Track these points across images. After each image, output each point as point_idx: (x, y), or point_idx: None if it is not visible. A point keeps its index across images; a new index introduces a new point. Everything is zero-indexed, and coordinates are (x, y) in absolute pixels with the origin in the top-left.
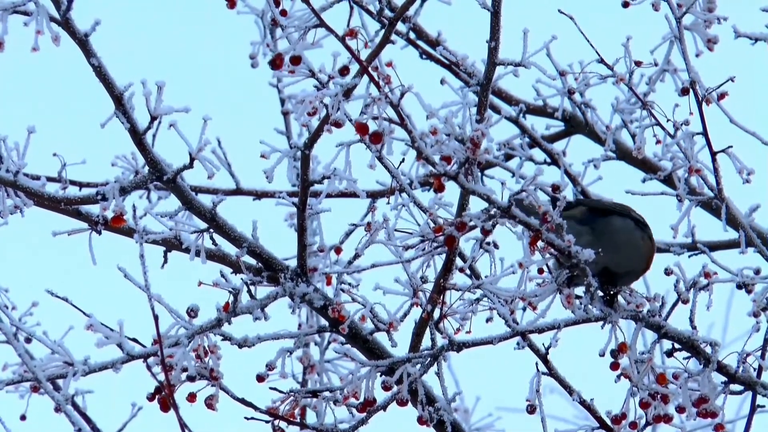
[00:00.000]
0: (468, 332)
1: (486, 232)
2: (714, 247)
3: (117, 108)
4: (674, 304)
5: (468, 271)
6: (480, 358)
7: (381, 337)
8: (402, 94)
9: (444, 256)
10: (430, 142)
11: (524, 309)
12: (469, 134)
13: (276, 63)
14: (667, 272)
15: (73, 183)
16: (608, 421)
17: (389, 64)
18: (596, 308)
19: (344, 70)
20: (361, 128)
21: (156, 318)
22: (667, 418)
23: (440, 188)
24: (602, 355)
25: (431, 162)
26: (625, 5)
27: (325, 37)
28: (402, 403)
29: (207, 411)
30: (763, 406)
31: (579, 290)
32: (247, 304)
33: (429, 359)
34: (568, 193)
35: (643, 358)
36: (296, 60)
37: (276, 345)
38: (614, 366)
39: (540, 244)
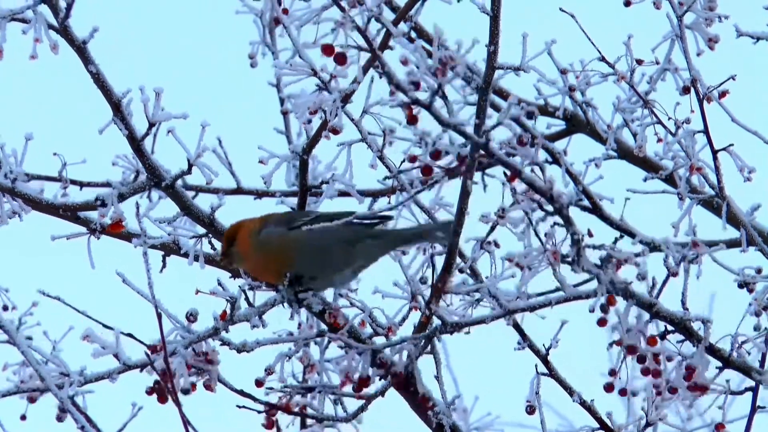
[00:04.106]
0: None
1: (461, 160)
2: (715, 245)
3: (115, 114)
4: (665, 280)
5: (468, 271)
6: (480, 358)
7: (380, 342)
8: (369, 19)
9: (444, 256)
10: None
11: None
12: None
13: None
14: (657, 247)
15: (73, 182)
16: (607, 422)
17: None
18: (584, 267)
19: (341, 59)
20: (327, 49)
21: (159, 316)
22: (656, 372)
23: (412, 119)
24: (592, 310)
25: (402, 89)
26: (627, 4)
27: (326, 36)
28: (398, 380)
29: (204, 409)
30: (764, 407)
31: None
32: (244, 312)
33: (423, 340)
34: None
35: (631, 326)
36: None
37: (274, 349)
38: (602, 322)
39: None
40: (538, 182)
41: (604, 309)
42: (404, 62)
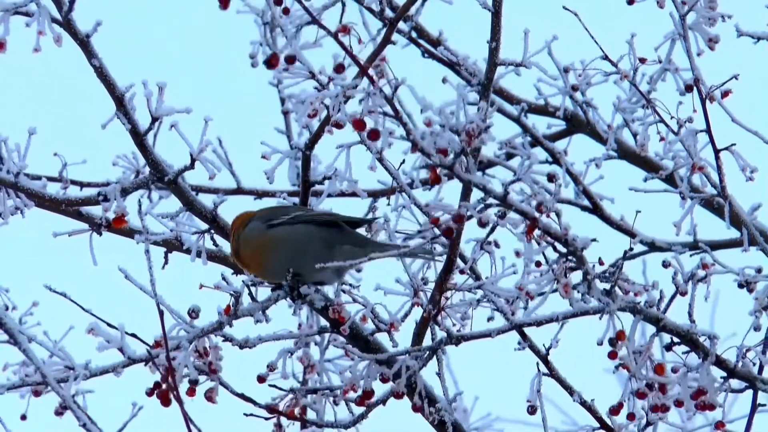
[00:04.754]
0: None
1: (482, 224)
2: (716, 245)
3: (118, 109)
4: (672, 297)
5: (468, 272)
6: (480, 358)
7: (382, 338)
8: (396, 88)
9: (444, 257)
10: (425, 133)
11: (525, 303)
12: (463, 125)
13: (271, 62)
14: (665, 264)
15: (74, 183)
16: (608, 421)
17: (383, 60)
18: (594, 297)
19: (339, 68)
20: (358, 124)
21: (161, 313)
22: (664, 408)
23: (436, 180)
24: (600, 343)
25: (427, 153)
26: (630, 2)
27: (325, 36)
28: (398, 395)
29: (207, 410)
30: (764, 405)
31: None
32: (248, 307)
33: (428, 353)
34: (569, 193)
35: (641, 349)
36: (291, 59)
37: (276, 345)
38: (612, 355)
39: (537, 233)
40: (554, 228)
41: (613, 343)
42: (428, 124)
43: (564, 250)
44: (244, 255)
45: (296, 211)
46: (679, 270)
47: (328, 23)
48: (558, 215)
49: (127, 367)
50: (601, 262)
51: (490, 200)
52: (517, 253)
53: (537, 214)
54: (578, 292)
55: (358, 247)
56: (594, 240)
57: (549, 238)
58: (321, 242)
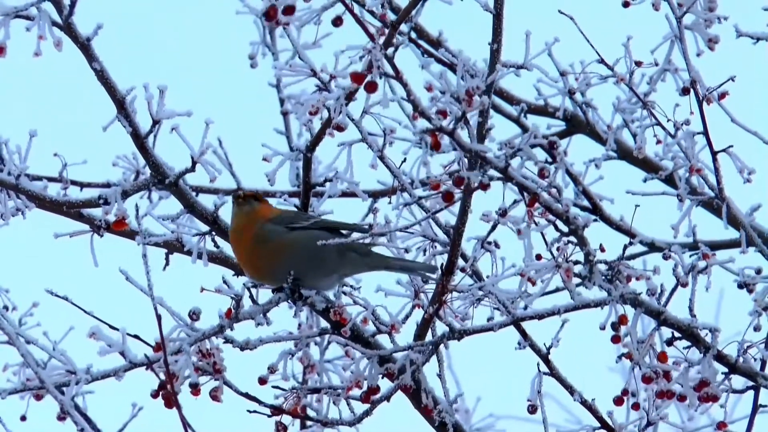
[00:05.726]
0: None
1: (484, 187)
2: (715, 246)
3: (119, 112)
4: (673, 289)
5: (468, 269)
6: (482, 358)
7: (383, 340)
8: (396, 47)
9: (446, 256)
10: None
11: (526, 296)
12: (464, 88)
13: (269, 14)
14: (665, 257)
15: (74, 183)
16: (609, 420)
17: (383, 17)
18: (595, 284)
19: (337, 21)
20: (357, 78)
21: (159, 317)
22: (670, 394)
23: (436, 145)
24: (603, 328)
25: (427, 116)
26: (626, 5)
27: (326, 36)
28: (406, 389)
29: (210, 410)
30: (766, 406)
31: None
32: (249, 310)
33: (431, 347)
34: (569, 193)
35: (643, 338)
36: (289, 10)
37: (277, 346)
38: (615, 339)
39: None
40: (555, 205)
41: (616, 327)
42: (429, 89)
43: (565, 228)
44: (252, 250)
45: (313, 218)
46: (679, 262)
47: (327, 22)
48: (559, 191)
49: (129, 371)
50: (602, 249)
51: (491, 172)
52: (519, 231)
53: (537, 185)
54: (580, 276)
55: (363, 256)
56: (595, 220)
57: (550, 216)
58: (335, 249)
